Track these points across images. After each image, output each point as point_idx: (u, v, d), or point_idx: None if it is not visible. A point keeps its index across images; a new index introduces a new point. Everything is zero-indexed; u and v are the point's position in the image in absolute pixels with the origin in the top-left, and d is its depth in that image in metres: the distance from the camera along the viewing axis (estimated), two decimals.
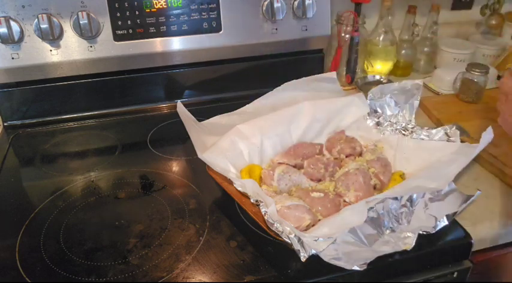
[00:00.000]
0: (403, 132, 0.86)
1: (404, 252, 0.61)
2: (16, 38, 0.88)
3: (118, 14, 0.93)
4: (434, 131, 0.83)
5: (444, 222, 0.64)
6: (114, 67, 0.99)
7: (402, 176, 0.75)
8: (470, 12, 1.37)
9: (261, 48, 1.06)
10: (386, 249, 0.61)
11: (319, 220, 0.64)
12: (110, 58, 0.96)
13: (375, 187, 0.73)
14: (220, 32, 1.01)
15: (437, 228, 0.64)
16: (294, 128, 0.83)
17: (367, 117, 0.89)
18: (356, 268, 0.56)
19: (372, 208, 0.62)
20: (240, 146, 0.77)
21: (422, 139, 0.83)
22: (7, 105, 0.97)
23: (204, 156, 0.72)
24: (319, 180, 0.75)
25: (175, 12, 0.96)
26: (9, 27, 0.86)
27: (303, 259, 0.56)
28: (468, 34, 1.35)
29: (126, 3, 0.93)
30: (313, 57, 1.13)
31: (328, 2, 1.06)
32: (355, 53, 1.11)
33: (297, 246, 0.56)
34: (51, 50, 0.92)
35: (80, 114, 1.02)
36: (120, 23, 0.94)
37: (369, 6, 1.15)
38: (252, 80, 1.10)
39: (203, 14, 0.98)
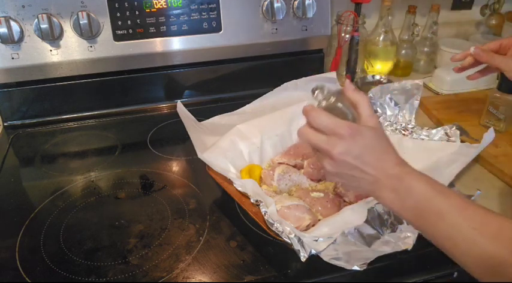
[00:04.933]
0: (403, 132, 0.86)
1: (404, 252, 0.61)
2: (16, 38, 0.88)
3: (118, 14, 0.93)
4: (434, 131, 0.83)
5: None
6: (114, 67, 0.99)
7: None
8: (470, 12, 1.37)
9: (261, 48, 1.06)
10: (386, 249, 0.61)
11: (319, 220, 0.64)
12: (110, 58, 0.96)
13: None
14: (220, 32, 1.01)
15: None
16: (294, 128, 0.83)
17: None
18: (356, 268, 0.56)
19: (372, 208, 0.62)
20: (240, 146, 0.77)
21: (422, 139, 0.83)
22: (7, 105, 0.97)
23: (204, 156, 0.72)
24: (319, 180, 0.75)
25: (175, 12, 0.96)
26: (9, 27, 0.86)
27: (303, 259, 0.56)
28: (468, 34, 1.35)
29: (126, 3, 0.93)
30: (313, 57, 1.13)
31: (328, 2, 1.06)
32: (355, 53, 1.11)
33: (297, 246, 0.56)
34: (51, 50, 0.92)
35: (80, 114, 1.02)
36: (120, 23, 0.94)
37: (369, 6, 1.14)
38: (252, 80, 1.09)
39: (203, 14, 0.98)
